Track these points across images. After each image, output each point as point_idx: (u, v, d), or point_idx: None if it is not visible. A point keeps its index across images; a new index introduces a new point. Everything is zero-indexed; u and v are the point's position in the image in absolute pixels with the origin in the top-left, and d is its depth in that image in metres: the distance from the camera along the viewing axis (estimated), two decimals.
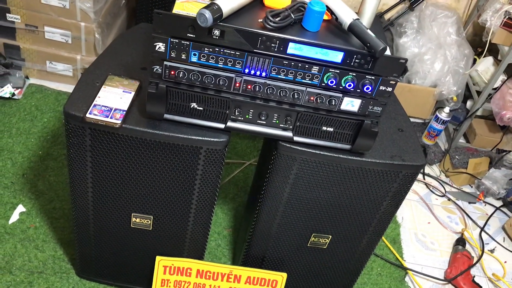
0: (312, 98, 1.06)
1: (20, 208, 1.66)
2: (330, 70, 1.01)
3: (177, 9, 0.97)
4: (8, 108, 2.03)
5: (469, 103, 2.41)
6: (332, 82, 1.02)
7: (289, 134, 1.13)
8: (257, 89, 1.04)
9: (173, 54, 0.99)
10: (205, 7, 0.90)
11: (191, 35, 0.96)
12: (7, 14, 2.05)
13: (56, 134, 1.97)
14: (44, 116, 2.04)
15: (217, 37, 0.96)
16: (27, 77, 2.22)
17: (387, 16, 2.54)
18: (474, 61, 2.37)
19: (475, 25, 2.53)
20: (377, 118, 1.09)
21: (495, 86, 2.21)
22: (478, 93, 2.29)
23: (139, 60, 1.27)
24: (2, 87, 2.06)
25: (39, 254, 1.54)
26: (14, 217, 1.63)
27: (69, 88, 2.22)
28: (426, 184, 2.25)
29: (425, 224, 2.06)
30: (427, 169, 2.33)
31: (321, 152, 1.14)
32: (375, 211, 1.28)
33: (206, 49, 0.98)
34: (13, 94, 2.07)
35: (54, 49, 2.15)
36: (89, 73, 1.19)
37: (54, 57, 2.16)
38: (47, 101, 2.12)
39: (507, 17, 2.08)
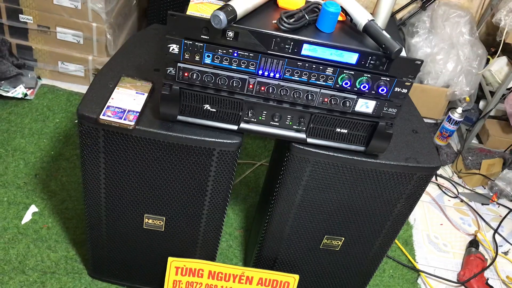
0: (326, 100, 1.05)
1: (33, 208, 1.67)
2: (344, 71, 1.00)
3: (191, 10, 0.96)
4: (20, 108, 2.05)
5: (482, 104, 2.39)
6: (346, 83, 1.01)
7: (302, 135, 1.13)
8: (270, 90, 1.03)
9: (186, 56, 0.98)
10: (219, 9, 0.89)
11: (205, 37, 0.95)
12: (19, 15, 2.06)
13: (68, 134, 1.98)
14: (56, 116, 2.05)
15: (231, 39, 0.95)
16: (39, 78, 2.23)
17: (398, 16, 2.52)
18: (488, 61, 2.35)
19: (488, 25, 2.50)
20: (392, 120, 1.08)
21: (509, 86, 2.19)
22: (492, 93, 2.26)
23: (152, 61, 1.27)
24: (14, 87, 2.08)
25: (51, 254, 1.55)
26: (27, 217, 1.64)
27: (80, 88, 2.23)
28: (438, 185, 2.24)
29: (437, 226, 2.04)
30: (439, 170, 2.31)
31: (335, 154, 1.13)
32: (388, 213, 1.27)
33: (219, 50, 0.97)
34: (26, 95, 2.09)
35: (66, 50, 2.16)
36: (102, 75, 1.19)
37: (66, 57, 2.17)
38: (59, 101, 2.13)
39: None
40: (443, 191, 2.21)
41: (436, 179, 2.26)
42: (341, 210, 1.26)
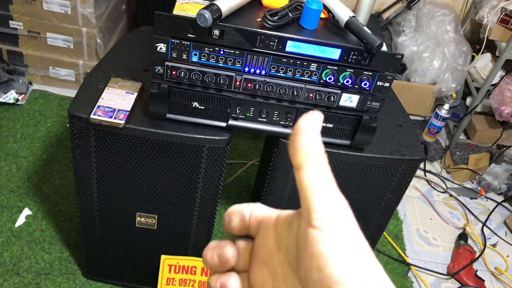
0: (311, 95, 1.08)
1: (26, 211, 1.69)
2: (328, 67, 1.03)
3: (177, 10, 0.99)
4: (12, 113, 2.06)
5: (468, 100, 2.43)
6: (330, 78, 1.04)
7: (289, 131, 1.15)
8: (257, 87, 1.06)
9: (174, 54, 1.01)
10: (205, 8, 0.92)
11: (192, 36, 0.98)
12: (9, 21, 2.08)
13: (60, 138, 2.00)
14: (48, 120, 2.07)
15: (217, 37, 0.98)
16: (30, 83, 2.25)
17: (385, 16, 2.56)
18: (472, 58, 2.39)
19: (472, 22, 2.55)
20: (376, 114, 1.11)
21: (494, 82, 2.23)
22: (477, 89, 2.30)
23: (141, 62, 1.30)
24: (6, 93, 2.09)
25: (45, 256, 1.56)
26: (21, 220, 1.66)
27: (72, 93, 2.25)
28: (427, 180, 2.27)
29: (427, 220, 2.07)
30: (428, 166, 2.35)
31: None
32: (376, 206, 1.30)
33: (206, 48, 1.00)
34: (17, 100, 2.10)
35: (57, 55, 2.18)
36: (92, 76, 1.22)
37: (56, 62, 2.19)
38: (50, 106, 2.15)
39: (503, 13, 2.10)
40: (432, 186, 2.25)
41: (425, 175, 2.29)
42: None
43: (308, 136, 0.30)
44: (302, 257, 0.30)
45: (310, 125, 0.30)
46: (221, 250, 0.36)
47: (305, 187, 0.30)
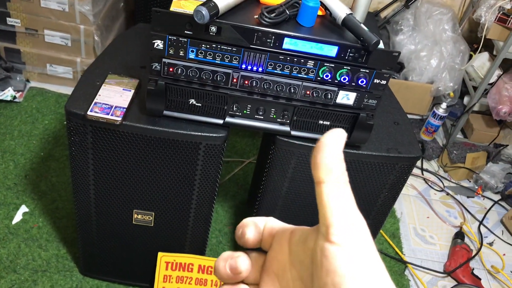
0: (308, 92, 1.08)
1: (23, 209, 1.69)
2: (325, 64, 1.03)
3: (174, 7, 0.99)
4: (9, 111, 2.06)
5: (466, 99, 2.44)
6: (327, 76, 1.04)
7: (286, 128, 1.15)
8: (254, 84, 1.06)
9: (171, 51, 1.01)
10: (202, 4, 0.92)
11: (189, 32, 0.98)
12: (7, 18, 2.08)
13: (57, 135, 1.99)
14: (45, 118, 2.06)
15: (214, 34, 0.98)
16: (27, 80, 2.24)
17: (383, 14, 2.56)
18: (470, 57, 2.40)
19: (470, 21, 2.55)
20: (373, 111, 1.12)
21: (491, 81, 2.24)
22: (475, 88, 2.31)
23: (138, 59, 1.30)
24: (3, 90, 2.09)
25: (42, 253, 1.56)
26: (18, 217, 1.66)
27: (69, 90, 2.23)
28: (424, 179, 2.28)
29: (424, 219, 2.08)
30: (425, 165, 2.35)
31: None
32: (373, 203, 1.30)
33: (203, 45, 1.00)
34: (14, 97, 2.10)
35: (54, 52, 2.18)
36: (89, 73, 1.22)
37: (54, 60, 2.19)
38: (48, 103, 2.14)
39: (501, 12, 2.11)
40: (429, 185, 2.25)
41: (422, 173, 2.30)
42: None
43: (330, 152, 0.30)
44: (318, 273, 0.30)
45: (334, 141, 0.31)
46: (235, 261, 0.36)
47: (325, 203, 0.30)
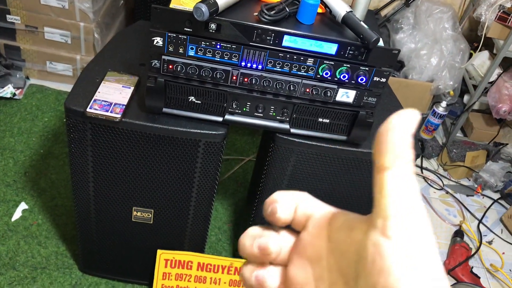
0: (308, 90, 1.08)
1: (23, 206, 1.69)
2: (324, 62, 1.03)
3: (174, 4, 0.99)
4: (9, 108, 2.06)
5: (465, 97, 2.43)
6: (327, 73, 1.04)
7: (286, 126, 1.15)
8: (253, 81, 1.06)
9: (170, 48, 1.01)
10: (201, 1, 0.92)
11: (188, 29, 0.98)
12: (7, 15, 2.08)
13: (57, 133, 1.99)
14: (45, 115, 2.06)
15: (213, 31, 0.98)
16: (27, 78, 2.24)
17: (383, 13, 2.56)
18: (470, 55, 2.40)
19: (470, 20, 2.55)
20: (372, 109, 1.12)
21: (491, 80, 2.24)
22: (475, 87, 2.31)
23: (138, 56, 1.30)
24: (3, 87, 2.09)
25: (42, 250, 1.56)
26: (17, 214, 1.66)
27: (69, 87, 2.21)
28: (424, 177, 2.28)
29: None
30: (425, 163, 2.35)
31: (318, 144, 1.16)
32: (372, 202, 1.30)
33: (203, 42, 1.00)
34: (14, 94, 2.10)
35: (54, 49, 2.17)
36: (89, 70, 1.21)
37: (54, 57, 2.19)
38: (47, 100, 2.14)
39: (501, 10, 2.10)
40: (428, 183, 2.25)
41: (422, 172, 2.30)
42: (326, 199, 1.27)
43: (400, 136, 0.26)
44: (367, 270, 0.26)
45: (405, 123, 0.26)
46: (265, 241, 0.32)
47: (386, 192, 0.26)
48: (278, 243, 0.32)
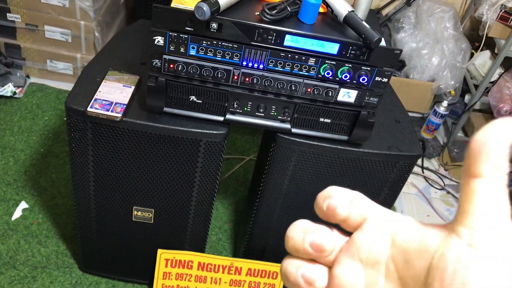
0: (309, 90, 1.07)
1: (23, 205, 1.68)
2: (326, 61, 1.02)
3: (175, 3, 0.98)
4: (9, 106, 2.06)
5: (467, 97, 2.43)
6: (328, 73, 1.03)
7: (287, 126, 1.15)
8: (255, 81, 1.06)
9: (172, 48, 1.00)
10: (203, 1, 0.91)
11: (189, 29, 0.98)
12: (7, 14, 2.07)
13: (57, 131, 1.99)
14: (45, 114, 2.06)
15: (214, 30, 0.98)
16: (28, 76, 2.24)
17: (384, 12, 2.55)
18: (472, 55, 2.39)
19: (472, 20, 2.54)
20: (374, 109, 1.11)
21: (492, 79, 2.23)
22: (476, 87, 2.30)
23: (139, 55, 1.29)
24: (3, 86, 2.08)
25: (42, 249, 1.56)
26: (17, 213, 1.65)
27: (69, 86, 2.22)
28: (425, 177, 2.27)
29: (424, 217, 2.07)
30: (426, 163, 2.35)
31: (319, 144, 1.16)
32: (373, 201, 1.29)
33: (204, 42, 1.00)
34: (14, 93, 2.09)
35: (54, 48, 2.17)
36: (89, 69, 1.21)
37: (54, 56, 2.18)
38: (48, 99, 2.14)
39: (503, 10, 2.10)
40: (429, 183, 2.25)
41: (423, 172, 2.29)
42: None
43: (503, 145, 0.25)
44: (444, 281, 0.25)
45: (507, 133, 0.25)
46: (319, 238, 0.30)
47: (476, 200, 0.25)
48: (333, 241, 0.30)
